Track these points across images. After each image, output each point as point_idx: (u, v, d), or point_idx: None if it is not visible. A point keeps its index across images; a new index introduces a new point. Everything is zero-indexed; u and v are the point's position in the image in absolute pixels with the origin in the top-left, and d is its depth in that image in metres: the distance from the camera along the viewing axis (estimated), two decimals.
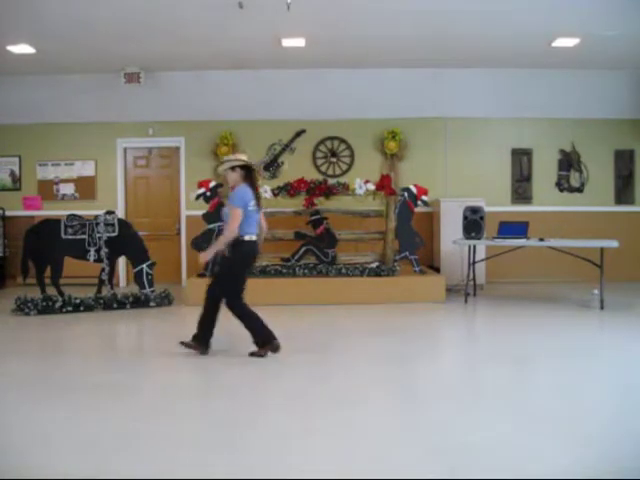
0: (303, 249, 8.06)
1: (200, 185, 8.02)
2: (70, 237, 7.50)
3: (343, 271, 7.84)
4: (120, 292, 7.68)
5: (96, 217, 7.65)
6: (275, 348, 4.88)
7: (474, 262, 7.99)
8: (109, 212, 7.83)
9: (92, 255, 7.56)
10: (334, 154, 9.86)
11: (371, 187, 7.91)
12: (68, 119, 9.70)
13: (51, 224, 7.57)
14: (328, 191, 7.98)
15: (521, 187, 9.90)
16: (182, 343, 5.03)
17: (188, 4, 6.68)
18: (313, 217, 8.08)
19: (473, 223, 7.82)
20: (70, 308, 7.12)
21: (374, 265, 7.92)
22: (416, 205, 8.17)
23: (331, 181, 8.22)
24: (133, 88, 9.21)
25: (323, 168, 9.84)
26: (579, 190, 9.88)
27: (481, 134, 9.85)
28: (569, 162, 9.87)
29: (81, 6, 6.65)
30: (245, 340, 5.01)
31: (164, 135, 9.84)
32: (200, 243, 7.97)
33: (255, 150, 8.29)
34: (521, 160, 9.89)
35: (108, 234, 7.58)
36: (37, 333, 6.22)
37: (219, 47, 8.26)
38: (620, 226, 9.39)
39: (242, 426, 3.40)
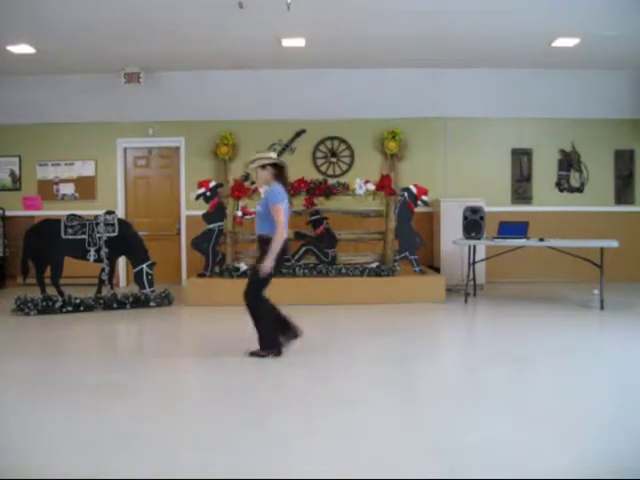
0: (303, 249, 8.06)
1: (200, 185, 8.03)
2: (70, 237, 7.50)
3: (343, 271, 7.84)
4: (120, 292, 7.68)
5: (96, 217, 7.65)
6: (277, 354, 4.88)
7: (474, 262, 7.99)
8: (109, 212, 7.83)
9: (92, 255, 7.56)
10: (334, 154, 9.85)
11: (371, 187, 7.91)
12: (68, 119, 9.70)
13: (51, 224, 7.57)
14: (328, 191, 7.98)
15: (521, 187, 9.90)
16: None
17: (188, 4, 6.68)
18: (313, 217, 8.08)
19: (473, 223, 7.82)
20: (70, 308, 7.13)
21: (374, 265, 7.91)
22: (416, 205, 8.18)
23: (331, 181, 8.22)
24: (133, 88, 9.21)
25: (323, 168, 9.84)
26: (579, 190, 9.88)
27: (481, 134, 9.85)
28: (569, 162, 9.87)
29: (81, 6, 6.66)
30: (245, 340, 5.01)
31: (164, 135, 9.84)
32: (200, 243, 7.99)
33: (255, 150, 8.24)
34: (521, 160, 9.89)
35: (108, 234, 7.58)
36: (37, 333, 6.21)
37: (219, 47, 8.25)
38: (620, 226, 9.39)
39: (242, 426, 3.40)
